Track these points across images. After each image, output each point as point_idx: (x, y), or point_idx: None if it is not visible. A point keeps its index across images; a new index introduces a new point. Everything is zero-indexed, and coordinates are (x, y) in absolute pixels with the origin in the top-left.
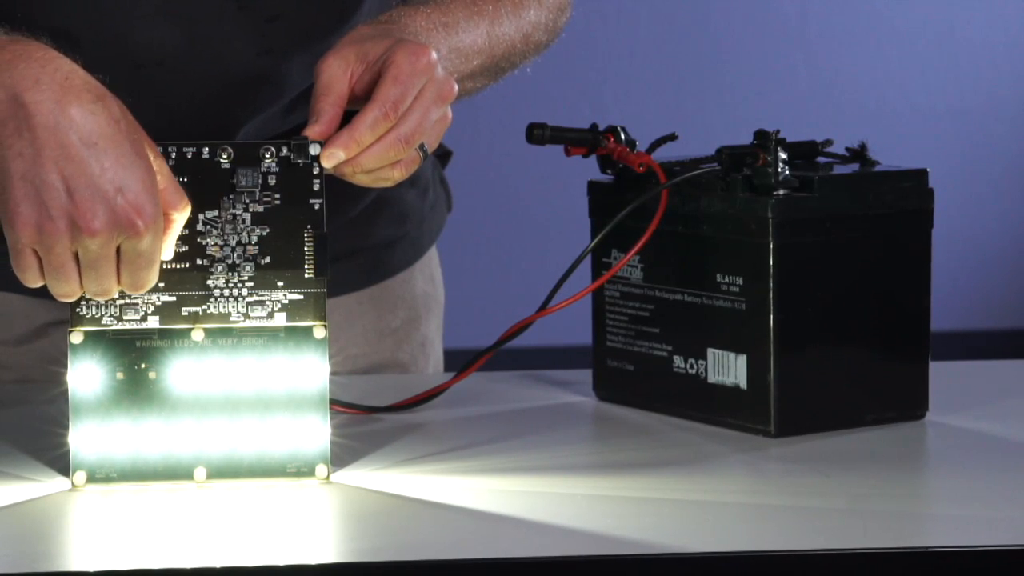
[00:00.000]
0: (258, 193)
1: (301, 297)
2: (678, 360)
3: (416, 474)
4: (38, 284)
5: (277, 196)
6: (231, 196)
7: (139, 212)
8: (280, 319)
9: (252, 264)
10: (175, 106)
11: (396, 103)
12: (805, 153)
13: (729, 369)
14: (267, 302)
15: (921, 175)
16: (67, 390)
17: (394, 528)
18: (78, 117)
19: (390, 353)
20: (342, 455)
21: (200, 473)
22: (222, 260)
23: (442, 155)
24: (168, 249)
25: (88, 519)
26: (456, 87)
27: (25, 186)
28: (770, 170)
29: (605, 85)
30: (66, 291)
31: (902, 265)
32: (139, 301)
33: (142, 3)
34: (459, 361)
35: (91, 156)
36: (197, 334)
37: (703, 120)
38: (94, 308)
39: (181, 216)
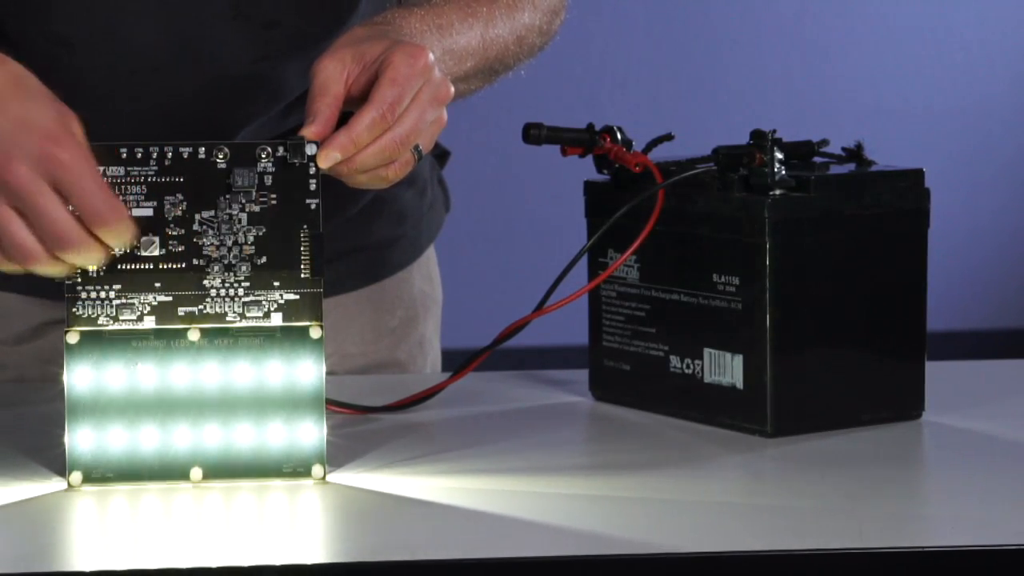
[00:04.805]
0: (254, 193)
1: (297, 297)
2: (674, 360)
3: (412, 474)
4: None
5: (273, 196)
6: (227, 196)
7: (50, 138)
8: (276, 319)
9: (248, 264)
10: (171, 111)
11: (393, 104)
12: (801, 153)
13: (725, 369)
14: (263, 302)
15: (917, 175)
16: (63, 390)
17: (390, 528)
18: None
19: (388, 353)
20: (338, 455)
21: (196, 473)
22: (218, 260)
23: (440, 155)
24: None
25: (84, 519)
26: (452, 89)
27: None
28: (766, 170)
29: (601, 85)
30: (24, 252)
31: (898, 265)
32: (135, 301)
33: (138, 9)
34: (457, 361)
35: None
36: (193, 334)
37: (699, 120)
38: (90, 308)
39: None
